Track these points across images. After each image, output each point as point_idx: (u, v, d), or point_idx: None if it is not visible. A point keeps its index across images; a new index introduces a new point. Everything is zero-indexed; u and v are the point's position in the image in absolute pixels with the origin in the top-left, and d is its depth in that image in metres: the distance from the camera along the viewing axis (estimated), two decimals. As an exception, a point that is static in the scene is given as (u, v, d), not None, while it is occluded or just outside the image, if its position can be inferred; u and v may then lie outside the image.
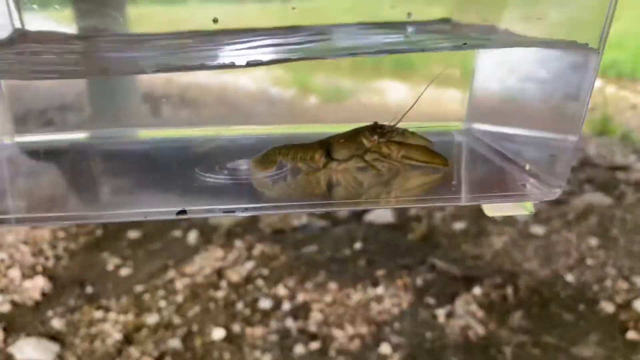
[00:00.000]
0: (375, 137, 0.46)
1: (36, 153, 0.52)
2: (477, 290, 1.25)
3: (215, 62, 0.41)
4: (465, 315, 1.18)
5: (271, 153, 0.48)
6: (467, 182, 0.48)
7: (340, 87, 0.60)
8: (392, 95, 0.57)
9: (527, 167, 0.47)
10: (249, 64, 0.39)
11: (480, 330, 1.14)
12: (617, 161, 1.94)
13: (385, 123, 0.48)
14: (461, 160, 0.54)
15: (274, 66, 0.53)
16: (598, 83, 2.44)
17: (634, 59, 2.83)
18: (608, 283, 1.27)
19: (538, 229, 1.48)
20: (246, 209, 0.40)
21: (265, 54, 0.41)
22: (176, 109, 0.57)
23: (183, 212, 0.38)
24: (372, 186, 0.47)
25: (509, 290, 1.25)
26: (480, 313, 1.18)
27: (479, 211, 0.45)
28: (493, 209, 0.44)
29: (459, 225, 1.52)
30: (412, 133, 0.49)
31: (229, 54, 0.41)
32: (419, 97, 0.47)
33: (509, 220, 1.51)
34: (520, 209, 0.44)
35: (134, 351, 1.09)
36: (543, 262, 1.35)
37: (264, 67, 0.46)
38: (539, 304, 1.21)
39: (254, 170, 0.47)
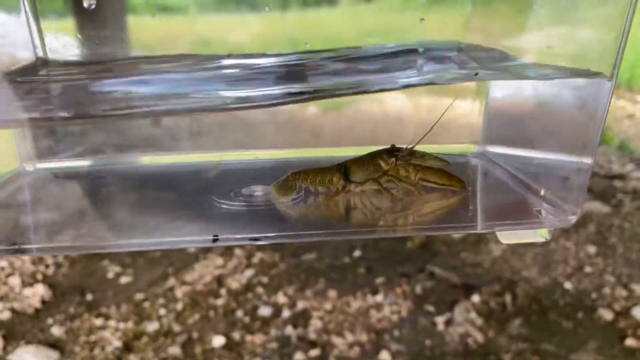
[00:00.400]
0: (393, 159, 0.46)
1: (57, 179, 0.52)
2: (476, 298, 1.25)
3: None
4: (464, 322, 1.18)
5: (290, 178, 0.48)
6: (482, 208, 0.47)
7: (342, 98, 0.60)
8: (395, 105, 0.57)
9: (542, 192, 0.46)
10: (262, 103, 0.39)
11: (479, 337, 1.14)
12: (615, 170, 1.95)
13: (403, 146, 0.47)
14: (476, 184, 0.53)
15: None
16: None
17: (630, 69, 2.85)
18: (606, 291, 1.28)
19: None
20: (267, 237, 0.40)
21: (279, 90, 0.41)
22: (184, 134, 0.57)
23: (216, 239, 0.39)
24: (389, 211, 0.46)
25: (508, 298, 1.25)
26: (479, 321, 1.18)
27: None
28: (508, 236, 0.44)
29: (457, 234, 1.52)
30: (431, 155, 0.48)
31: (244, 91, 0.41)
32: (437, 121, 0.47)
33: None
34: (536, 236, 0.43)
35: (133, 359, 1.09)
36: (541, 270, 1.36)
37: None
38: (537, 312, 1.21)
39: (275, 196, 0.48)
